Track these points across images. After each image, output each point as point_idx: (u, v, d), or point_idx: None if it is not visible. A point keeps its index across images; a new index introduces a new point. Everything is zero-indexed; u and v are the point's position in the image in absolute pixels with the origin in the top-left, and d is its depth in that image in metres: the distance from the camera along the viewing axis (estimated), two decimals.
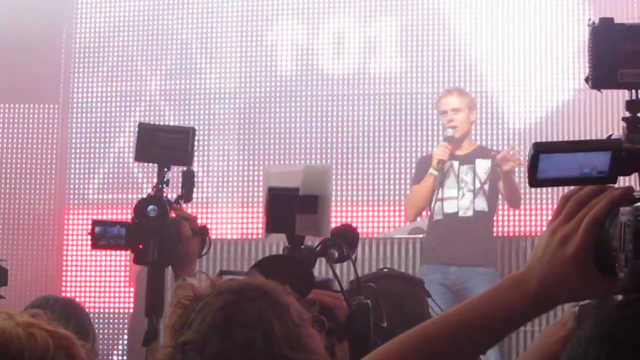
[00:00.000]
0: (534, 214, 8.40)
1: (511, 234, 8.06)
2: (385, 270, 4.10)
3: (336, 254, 3.38)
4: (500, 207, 7.49)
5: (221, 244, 7.48)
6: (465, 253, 6.69)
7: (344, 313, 3.14)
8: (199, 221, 4.13)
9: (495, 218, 7.20)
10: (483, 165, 6.93)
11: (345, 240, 3.41)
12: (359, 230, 8.71)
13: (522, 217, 8.42)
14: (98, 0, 9.51)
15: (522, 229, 8.40)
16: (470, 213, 6.85)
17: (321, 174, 3.49)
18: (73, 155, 9.36)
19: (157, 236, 4.00)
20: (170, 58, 9.33)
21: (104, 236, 4.10)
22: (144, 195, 4.17)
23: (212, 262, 7.03)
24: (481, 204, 6.88)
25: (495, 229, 7.34)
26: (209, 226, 7.99)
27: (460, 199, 6.87)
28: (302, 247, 3.37)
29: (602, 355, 1.39)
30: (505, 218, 8.32)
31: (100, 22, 9.49)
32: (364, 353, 3.10)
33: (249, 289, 2.44)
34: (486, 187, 6.91)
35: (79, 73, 9.48)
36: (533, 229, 8.35)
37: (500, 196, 7.02)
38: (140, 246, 4.04)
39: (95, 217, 8.55)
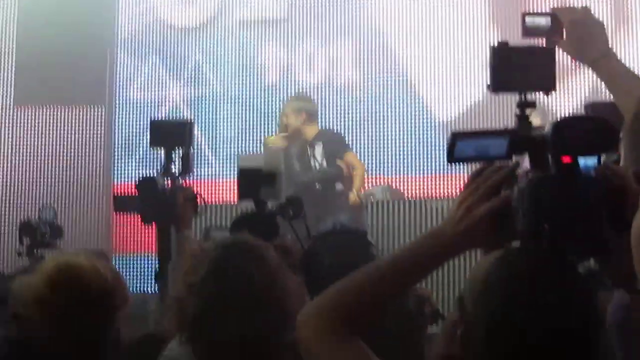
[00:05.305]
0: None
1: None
2: (338, 227, 4.42)
3: (291, 212, 3.80)
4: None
5: (220, 208, 8.12)
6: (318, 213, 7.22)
7: (298, 254, 3.40)
8: (201, 193, 4.45)
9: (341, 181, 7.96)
10: (319, 147, 8.00)
11: (295, 202, 3.84)
12: None
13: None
14: (132, 25, 9.99)
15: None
16: (319, 186, 7.90)
17: (277, 154, 4.16)
18: (116, 145, 9.95)
19: (156, 203, 4.29)
20: (185, 71, 9.89)
21: (124, 203, 4.64)
22: (169, 173, 4.45)
23: (208, 221, 7.63)
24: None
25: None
26: (208, 194, 8.72)
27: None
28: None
29: (492, 273, 1.66)
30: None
31: (134, 45, 10.03)
32: (317, 285, 2.84)
33: (236, 245, 2.59)
34: (324, 163, 7.94)
35: (120, 82, 10.00)
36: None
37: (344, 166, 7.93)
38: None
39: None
